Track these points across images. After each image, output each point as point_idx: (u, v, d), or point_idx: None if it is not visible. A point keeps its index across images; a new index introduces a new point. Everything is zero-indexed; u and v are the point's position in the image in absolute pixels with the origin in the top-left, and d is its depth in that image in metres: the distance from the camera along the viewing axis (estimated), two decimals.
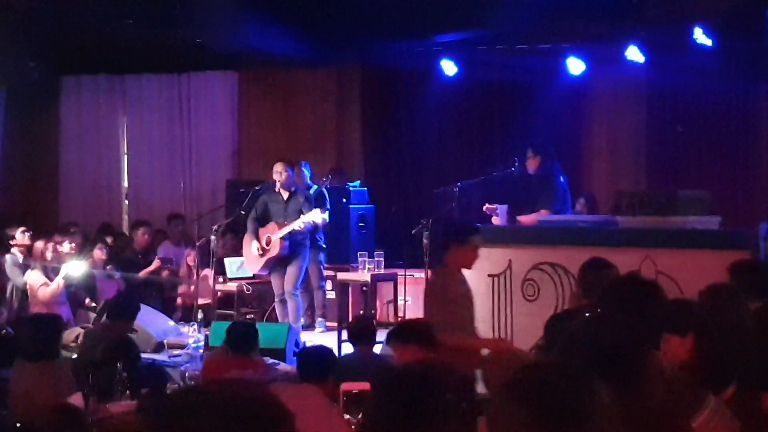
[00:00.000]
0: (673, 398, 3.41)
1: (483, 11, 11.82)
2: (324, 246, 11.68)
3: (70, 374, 7.01)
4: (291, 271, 10.99)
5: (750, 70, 11.68)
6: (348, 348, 10.24)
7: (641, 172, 12.56)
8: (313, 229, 11.07)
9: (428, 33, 12.87)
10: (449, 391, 3.08)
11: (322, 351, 6.47)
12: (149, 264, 12.52)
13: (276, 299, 11.20)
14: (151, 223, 13.45)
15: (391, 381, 3.22)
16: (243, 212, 11.75)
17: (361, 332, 7.55)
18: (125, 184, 15.14)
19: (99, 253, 11.94)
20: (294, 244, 11.00)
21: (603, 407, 2.32)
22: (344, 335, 10.46)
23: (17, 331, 9.70)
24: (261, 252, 11.13)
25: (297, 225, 10.88)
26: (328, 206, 11.45)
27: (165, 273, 12.47)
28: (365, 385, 5.45)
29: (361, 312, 11.34)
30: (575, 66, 12.44)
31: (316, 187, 11.81)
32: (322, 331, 11.32)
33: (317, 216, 10.81)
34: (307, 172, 11.94)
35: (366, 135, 14.28)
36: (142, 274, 12.33)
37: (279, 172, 11.08)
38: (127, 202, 15.11)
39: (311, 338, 10.63)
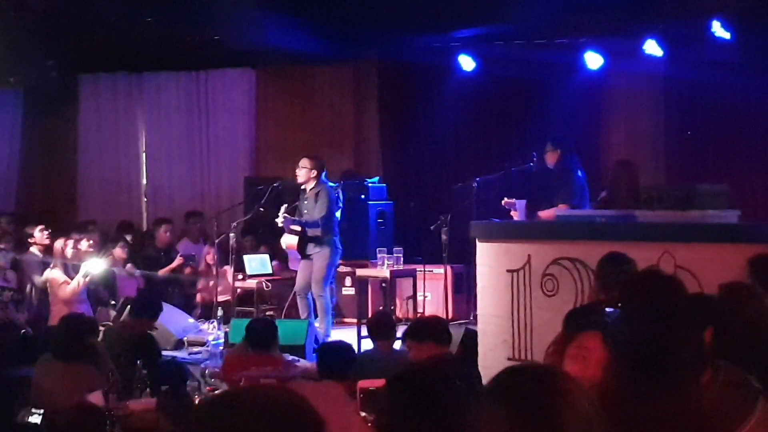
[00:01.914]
0: (723, 401, 3.38)
1: (501, 6, 11.80)
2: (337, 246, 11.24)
3: (98, 374, 7.03)
4: (316, 272, 10.87)
5: None
6: (368, 344, 10.31)
7: (660, 166, 12.52)
8: (316, 225, 10.91)
9: (446, 28, 12.86)
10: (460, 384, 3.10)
11: (341, 347, 6.50)
12: (171, 261, 12.56)
13: (298, 295, 11.11)
14: (172, 221, 13.48)
15: (404, 378, 3.23)
16: (261, 209, 11.76)
17: (380, 328, 7.57)
18: (144, 181, 15.18)
19: (120, 251, 11.97)
20: (306, 240, 10.89)
21: (584, 413, 2.30)
22: (365, 331, 10.52)
23: (48, 329, 9.78)
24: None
25: (278, 220, 10.88)
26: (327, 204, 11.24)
27: (187, 270, 12.50)
28: (382, 383, 5.46)
29: (381, 308, 11.34)
30: (593, 60, 12.41)
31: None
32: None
33: (284, 210, 10.80)
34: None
35: (384, 131, 14.28)
36: (164, 271, 12.36)
37: (300, 167, 11.03)
38: (145, 199, 15.15)
39: (332, 335, 10.64)
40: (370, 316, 10.42)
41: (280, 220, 10.87)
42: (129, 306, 9.30)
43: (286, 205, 10.96)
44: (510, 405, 2.28)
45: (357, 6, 12.23)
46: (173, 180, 14.96)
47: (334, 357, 6.22)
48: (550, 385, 2.32)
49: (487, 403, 2.32)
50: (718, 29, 11.23)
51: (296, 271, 11.15)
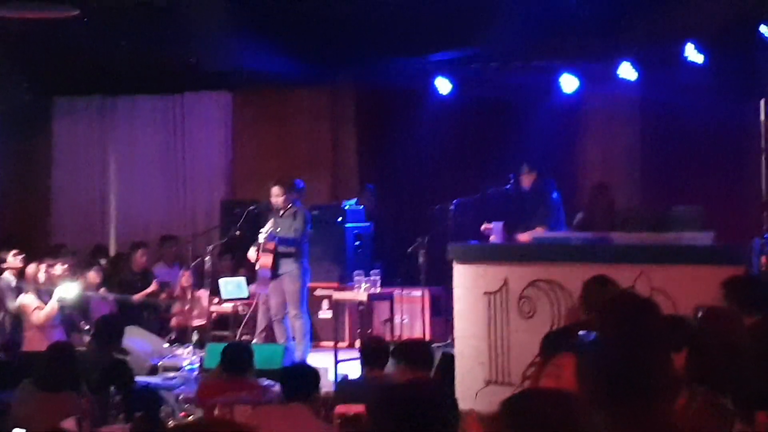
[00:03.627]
0: (699, 424, 3.38)
1: (477, 29, 11.84)
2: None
3: (76, 401, 6.94)
4: (290, 294, 10.89)
5: (741, 85, 11.71)
6: (345, 368, 10.27)
7: (635, 188, 12.58)
8: (290, 242, 10.96)
9: (422, 51, 12.89)
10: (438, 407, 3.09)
11: (303, 369, 6.46)
12: (146, 286, 12.49)
13: (274, 318, 11.11)
14: (148, 244, 13.42)
15: (382, 401, 3.23)
16: (237, 233, 11.75)
17: (371, 355, 7.38)
18: (117, 205, 15.07)
19: (93, 276, 11.90)
20: (280, 257, 10.94)
21: None
22: (341, 355, 10.48)
23: (23, 354, 9.69)
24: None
25: (260, 238, 10.87)
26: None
27: (162, 296, 12.43)
28: (360, 408, 5.44)
29: (369, 331, 11.28)
30: (568, 83, 12.47)
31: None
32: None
33: (267, 228, 10.80)
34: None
35: (361, 154, 14.28)
36: (139, 296, 12.28)
37: (275, 195, 11.07)
38: (115, 223, 15.04)
39: (309, 359, 10.58)
40: (359, 340, 10.39)
41: (263, 237, 10.87)
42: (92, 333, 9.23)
43: (269, 224, 10.94)
44: (525, 428, 2.28)
45: (333, 30, 12.24)
46: (148, 203, 14.88)
47: (298, 380, 6.19)
48: (564, 408, 2.32)
49: (502, 426, 2.32)
50: (691, 53, 11.31)
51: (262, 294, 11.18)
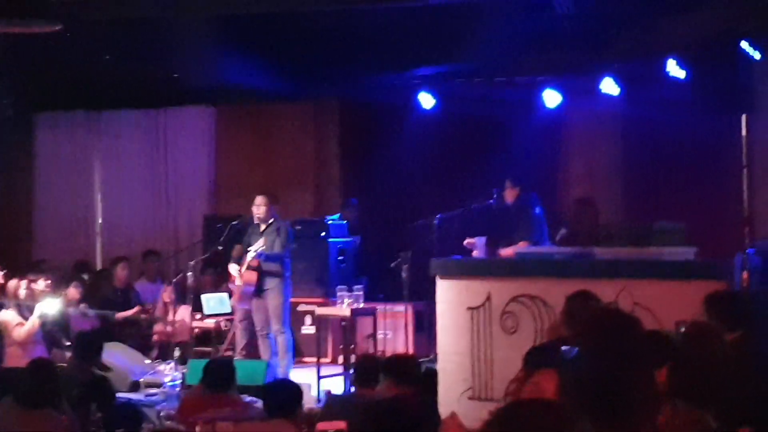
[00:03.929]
0: None
1: (460, 44, 11.87)
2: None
3: (57, 419, 6.88)
4: (272, 308, 10.90)
5: (723, 101, 11.77)
6: (327, 384, 10.25)
7: (618, 203, 12.61)
8: (276, 259, 10.97)
9: (406, 66, 12.91)
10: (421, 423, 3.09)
11: (286, 385, 6.43)
12: (127, 301, 12.44)
13: (259, 334, 11.10)
14: (128, 258, 13.38)
15: (366, 416, 3.23)
16: (220, 247, 11.73)
17: (363, 375, 7.32)
18: (100, 220, 15.03)
19: (73, 291, 11.85)
20: (264, 275, 10.95)
21: None
22: (324, 371, 10.45)
23: (5, 371, 9.61)
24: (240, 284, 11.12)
25: (249, 256, 10.88)
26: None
27: (144, 317, 12.39)
28: (341, 424, 5.43)
29: (352, 347, 11.25)
30: (551, 98, 12.51)
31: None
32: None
33: (259, 245, 10.80)
34: None
35: (344, 168, 14.27)
36: (120, 316, 12.23)
37: (258, 206, 11.07)
38: (100, 238, 14.98)
39: (292, 374, 10.55)
40: (344, 356, 10.37)
41: (251, 255, 10.86)
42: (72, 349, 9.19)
43: (260, 242, 10.90)
44: None
45: (317, 45, 12.26)
46: (131, 218, 14.82)
47: (280, 395, 6.16)
48: (553, 418, 2.33)
49: None
50: (673, 68, 11.36)
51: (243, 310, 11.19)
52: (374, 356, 8.73)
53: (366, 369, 7.31)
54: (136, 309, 12.33)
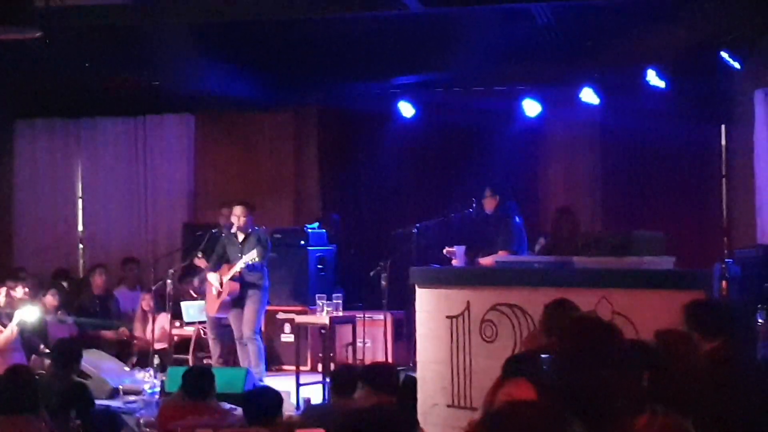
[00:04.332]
0: None
1: (439, 54, 11.91)
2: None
3: (36, 425, 6.84)
4: (247, 314, 10.98)
5: (702, 111, 11.84)
6: (306, 392, 10.23)
7: (597, 212, 12.66)
8: (259, 268, 11.00)
9: (386, 75, 12.94)
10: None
11: (266, 392, 6.42)
12: (106, 309, 12.43)
13: (238, 342, 11.14)
14: (106, 265, 13.35)
15: (344, 426, 3.22)
16: (200, 255, 11.72)
17: (341, 384, 7.32)
18: (80, 228, 14.97)
19: (50, 299, 11.83)
20: (246, 285, 10.98)
21: None
22: (303, 379, 10.44)
23: None
24: (218, 294, 11.11)
25: (238, 267, 10.90)
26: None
27: (122, 330, 12.36)
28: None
29: (331, 355, 11.25)
30: (531, 108, 12.55)
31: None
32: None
33: (254, 255, 10.82)
34: None
35: (324, 177, 14.27)
36: (103, 336, 12.19)
37: (238, 216, 11.10)
38: (82, 246, 14.94)
39: (270, 382, 10.53)
40: (323, 365, 10.35)
41: (241, 266, 10.87)
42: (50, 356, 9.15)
43: (253, 253, 10.89)
44: None
45: (297, 53, 12.26)
46: (111, 226, 14.77)
47: (260, 403, 6.15)
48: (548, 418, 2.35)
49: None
50: (653, 78, 11.42)
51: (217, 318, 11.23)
52: (351, 365, 8.73)
53: (343, 378, 7.31)
54: (121, 331, 12.33)
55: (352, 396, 7.12)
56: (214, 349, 11.32)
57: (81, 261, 14.91)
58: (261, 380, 10.59)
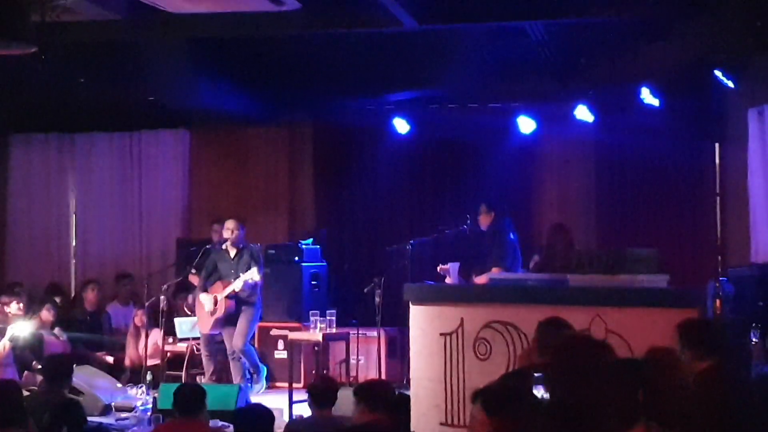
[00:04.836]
0: None
1: (434, 70, 11.92)
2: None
3: None
4: (239, 327, 10.98)
5: (696, 129, 11.87)
6: (300, 409, 10.19)
7: (591, 230, 12.65)
8: (254, 286, 11.02)
9: (380, 91, 12.94)
10: None
11: (258, 410, 6.39)
12: (97, 325, 12.39)
13: (230, 358, 11.14)
14: (99, 281, 13.33)
15: None
16: (193, 271, 11.71)
17: (321, 396, 7.35)
18: (73, 243, 14.94)
19: (46, 314, 11.78)
20: (240, 302, 10.99)
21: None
22: (296, 396, 10.40)
23: None
24: (212, 311, 11.09)
25: (236, 285, 10.90)
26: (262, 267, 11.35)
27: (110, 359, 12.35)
28: None
29: (323, 372, 11.23)
30: (526, 125, 12.55)
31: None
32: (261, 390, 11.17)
33: (254, 274, 10.81)
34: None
35: (319, 193, 14.26)
36: (98, 356, 12.17)
37: (230, 230, 11.10)
38: (74, 261, 14.90)
39: (259, 399, 10.50)
40: (311, 381, 10.32)
41: (239, 284, 10.86)
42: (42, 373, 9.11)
43: (251, 272, 10.89)
44: None
45: (292, 69, 12.27)
46: (105, 241, 14.75)
47: (252, 421, 6.12)
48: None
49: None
50: (647, 96, 11.43)
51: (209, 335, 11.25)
52: (328, 377, 8.72)
53: (322, 390, 7.35)
54: (110, 359, 12.31)
55: (332, 408, 7.16)
56: (208, 366, 11.31)
57: (73, 276, 14.86)
58: (262, 385, 10.65)
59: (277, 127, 14.19)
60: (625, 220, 12.55)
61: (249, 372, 11.08)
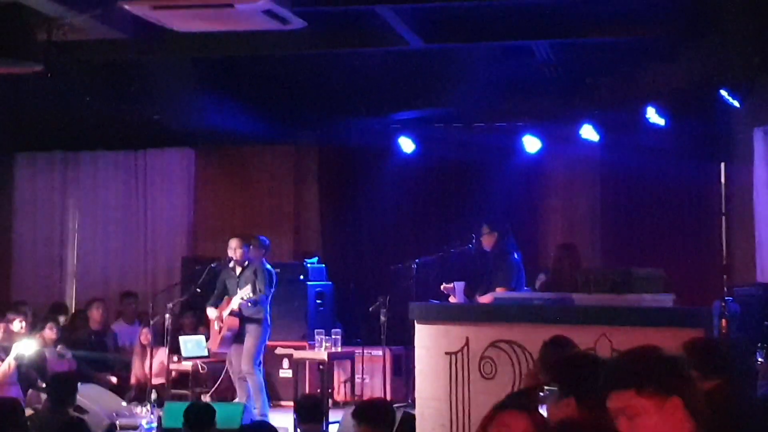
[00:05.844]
0: None
1: (440, 90, 11.95)
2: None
3: None
4: (246, 348, 10.92)
5: (702, 149, 11.87)
6: None
7: (596, 249, 12.64)
8: (256, 303, 10.97)
9: (386, 111, 12.97)
10: None
11: (263, 427, 6.38)
12: (102, 344, 12.38)
13: (234, 377, 11.10)
14: (104, 300, 13.33)
15: None
16: (198, 290, 11.69)
17: (307, 412, 7.37)
18: (76, 261, 14.93)
19: (49, 333, 11.77)
20: (245, 320, 10.95)
21: None
22: None
23: None
24: (219, 329, 11.08)
25: (233, 304, 10.88)
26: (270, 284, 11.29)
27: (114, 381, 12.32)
28: None
29: (318, 391, 11.22)
30: (531, 144, 12.56)
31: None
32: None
33: (246, 292, 10.79)
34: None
35: (324, 212, 14.26)
36: (102, 378, 12.14)
37: (233, 248, 11.10)
38: (75, 279, 14.88)
39: (268, 417, 10.48)
40: (297, 398, 10.32)
41: (237, 302, 10.85)
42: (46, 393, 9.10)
43: (247, 288, 10.87)
44: None
45: (297, 88, 12.30)
46: (110, 259, 14.76)
47: None
48: None
49: None
50: (653, 115, 11.44)
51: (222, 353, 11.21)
52: (313, 395, 8.71)
53: (307, 407, 7.36)
54: (113, 380, 12.28)
55: (319, 424, 7.15)
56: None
57: (74, 295, 14.83)
58: (264, 415, 10.54)
59: (282, 146, 14.22)
60: (631, 240, 12.54)
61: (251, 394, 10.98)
